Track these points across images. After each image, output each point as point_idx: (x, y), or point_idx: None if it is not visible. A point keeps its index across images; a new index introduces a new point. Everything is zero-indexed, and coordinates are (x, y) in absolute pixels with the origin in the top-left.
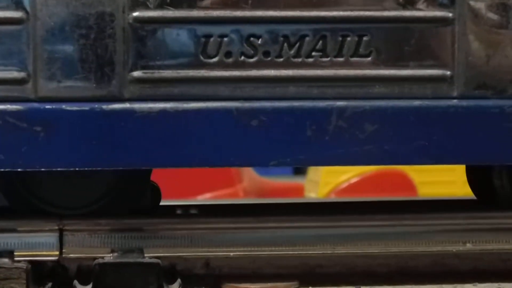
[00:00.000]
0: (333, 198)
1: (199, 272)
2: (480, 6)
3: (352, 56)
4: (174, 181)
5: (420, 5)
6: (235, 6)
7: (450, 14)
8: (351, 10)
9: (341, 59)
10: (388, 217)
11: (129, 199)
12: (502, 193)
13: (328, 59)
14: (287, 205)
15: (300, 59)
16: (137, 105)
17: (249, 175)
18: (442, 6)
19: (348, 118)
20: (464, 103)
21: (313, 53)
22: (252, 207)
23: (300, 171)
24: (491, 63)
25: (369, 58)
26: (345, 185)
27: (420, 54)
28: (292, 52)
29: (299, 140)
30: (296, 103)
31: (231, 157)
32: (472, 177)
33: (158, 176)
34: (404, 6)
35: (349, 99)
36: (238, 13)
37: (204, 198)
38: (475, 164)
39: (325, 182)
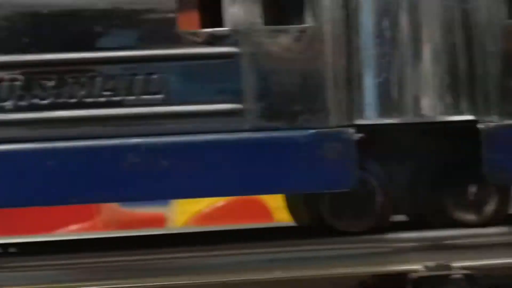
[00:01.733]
0: (186, 227)
1: None
2: (263, 40)
3: (142, 94)
4: (34, 215)
5: (205, 42)
6: (22, 50)
7: (236, 50)
8: (138, 50)
9: (132, 98)
10: (221, 246)
11: None
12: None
13: (120, 98)
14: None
15: (92, 99)
16: None
17: (109, 207)
18: (226, 42)
19: (142, 155)
20: (256, 135)
21: (104, 93)
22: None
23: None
24: (278, 96)
25: (160, 96)
26: (203, 212)
27: (209, 90)
28: (83, 92)
29: (95, 178)
30: (90, 142)
31: (30, 197)
32: (290, 203)
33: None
34: (190, 44)
35: (142, 136)
36: (27, 57)
37: (63, 232)
38: (271, 194)
39: (181, 211)
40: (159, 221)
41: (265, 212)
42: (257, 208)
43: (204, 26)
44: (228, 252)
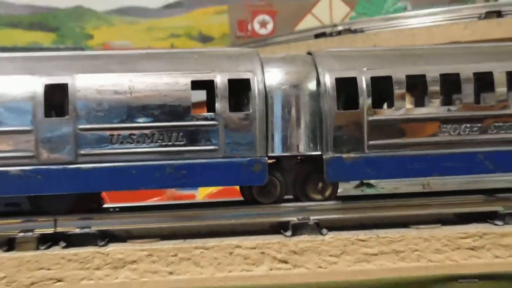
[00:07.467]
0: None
1: None
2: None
3: None
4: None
5: None
6: None
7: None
8: None
9: None
10: None
11: None
12: None
13: None
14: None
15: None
16: None
17: (169, 190)
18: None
19: None
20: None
21: None
22: None
23: None
24: (236, 143)
25: None
26: (212, 192)
27: None
28: None
29: None
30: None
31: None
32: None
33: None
34: None
35: None
36: None
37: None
38: (236, 185)
39: (202, 192)
40: (192, 197)
41: (236, 193)
42: (232, 191)
43: None
44: (221, 211)
